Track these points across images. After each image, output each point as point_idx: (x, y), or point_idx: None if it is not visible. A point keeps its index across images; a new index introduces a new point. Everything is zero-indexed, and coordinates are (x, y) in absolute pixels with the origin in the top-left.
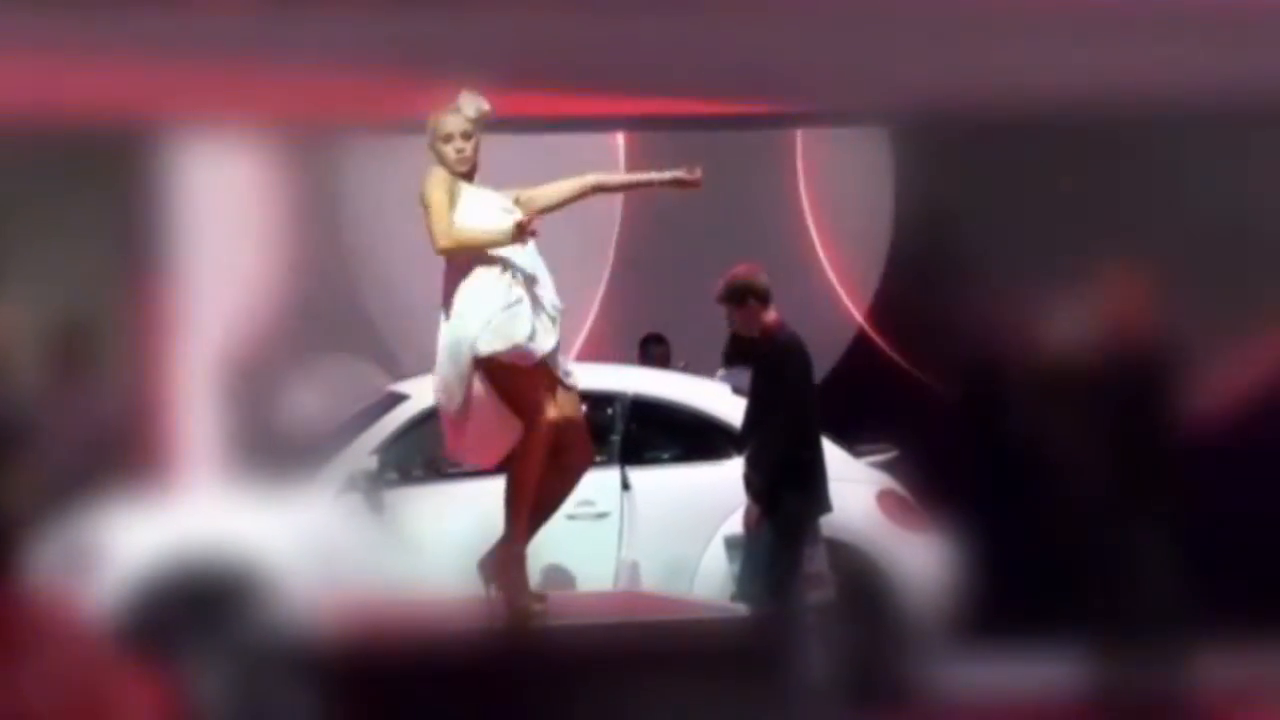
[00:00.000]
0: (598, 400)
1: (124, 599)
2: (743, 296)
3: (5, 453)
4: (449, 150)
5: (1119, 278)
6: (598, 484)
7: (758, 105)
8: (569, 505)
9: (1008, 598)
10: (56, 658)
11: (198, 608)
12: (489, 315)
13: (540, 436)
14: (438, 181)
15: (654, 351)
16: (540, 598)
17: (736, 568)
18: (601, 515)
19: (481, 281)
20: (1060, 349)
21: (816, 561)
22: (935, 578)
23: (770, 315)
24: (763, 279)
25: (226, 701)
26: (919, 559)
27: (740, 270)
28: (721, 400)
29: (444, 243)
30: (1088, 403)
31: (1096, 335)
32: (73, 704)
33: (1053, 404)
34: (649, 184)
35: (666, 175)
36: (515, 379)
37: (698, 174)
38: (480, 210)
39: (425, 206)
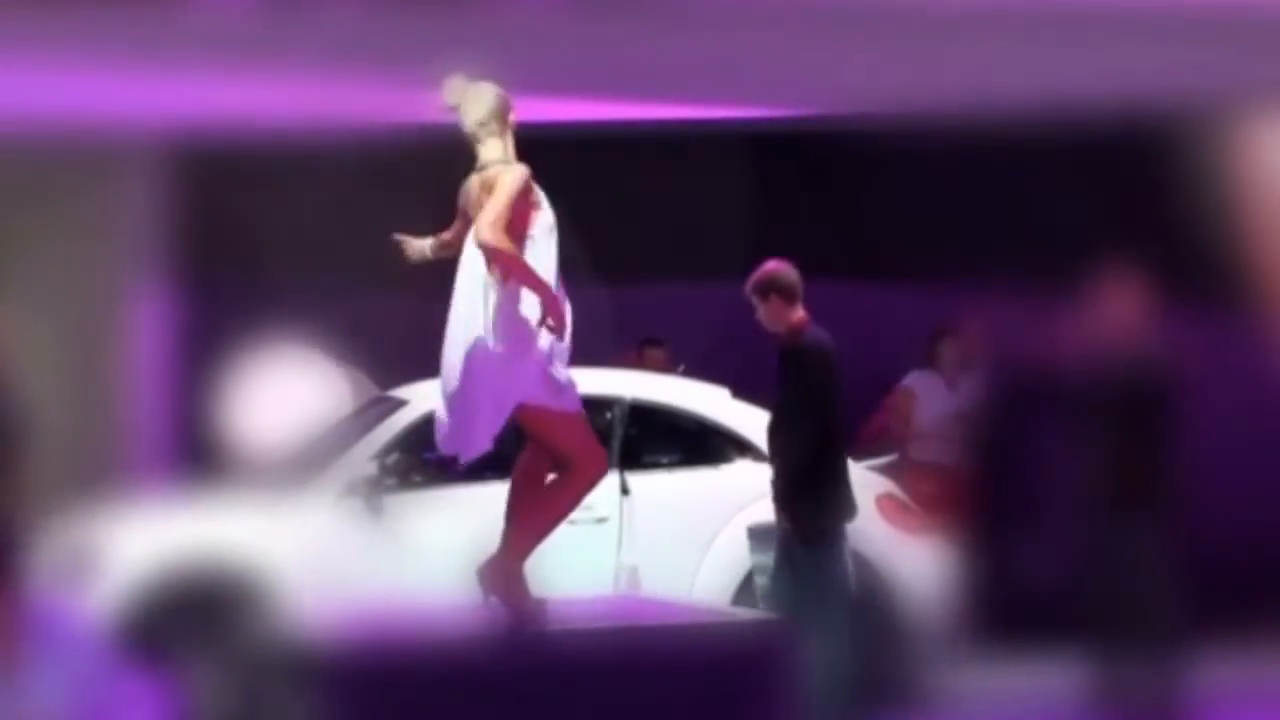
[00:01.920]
0: (596, 405)
1: (124, 605)
2: (766, 291)
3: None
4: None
5: (1111, 284)
6: (597, 489)
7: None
8: None
9: (1006, 600)
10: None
11: (198, 614)
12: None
13: (597, 478)
14: (519, 179)
15: (651, 355)
16: (540, 602)
17: (758, 558)
18: (601, 520)
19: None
20: (1054, 356)
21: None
22: (934, 581)
23: (796, 314)
24: (789, 275)
25: (226, 707)
26: (917, 562)
27: (768, 265)
28: (721, 404)
29: (486, 234)
30: (1082, 408)
31: (1090, 342)
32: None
33: (1047, 409)
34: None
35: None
36: (570, 425)
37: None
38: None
39: (496, 194)
